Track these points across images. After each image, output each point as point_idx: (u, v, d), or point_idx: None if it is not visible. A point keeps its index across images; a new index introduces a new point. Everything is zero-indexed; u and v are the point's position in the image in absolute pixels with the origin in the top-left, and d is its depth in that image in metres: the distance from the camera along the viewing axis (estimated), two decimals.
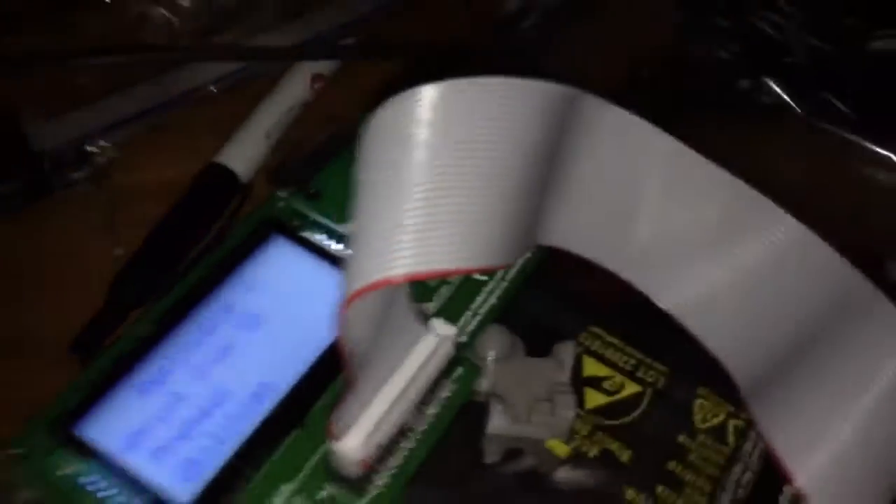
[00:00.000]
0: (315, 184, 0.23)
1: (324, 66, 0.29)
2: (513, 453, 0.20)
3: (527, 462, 0.20)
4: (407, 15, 0.32)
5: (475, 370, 0.21)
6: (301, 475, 0.18)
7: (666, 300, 0.21)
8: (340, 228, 0.23)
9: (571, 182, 0.19)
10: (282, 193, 0.23)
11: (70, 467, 0.18)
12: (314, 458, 0.19)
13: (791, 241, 0.20)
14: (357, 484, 0.18)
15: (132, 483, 0.18)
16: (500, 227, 0.16)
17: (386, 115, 0.15)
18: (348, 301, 0.14)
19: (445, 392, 0.20)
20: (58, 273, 0.24)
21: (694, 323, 0.21)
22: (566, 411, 0.19)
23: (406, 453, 0.19)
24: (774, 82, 0.32)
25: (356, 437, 0.18)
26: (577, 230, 0.20)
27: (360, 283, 0.14)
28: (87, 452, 0.18)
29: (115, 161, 0.27)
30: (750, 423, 0.21)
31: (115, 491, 0.18)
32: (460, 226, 0.15)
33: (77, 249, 0.24)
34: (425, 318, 0.20)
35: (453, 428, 0.20)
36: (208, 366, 0.19)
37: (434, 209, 0.15)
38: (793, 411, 0.19)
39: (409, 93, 0.15)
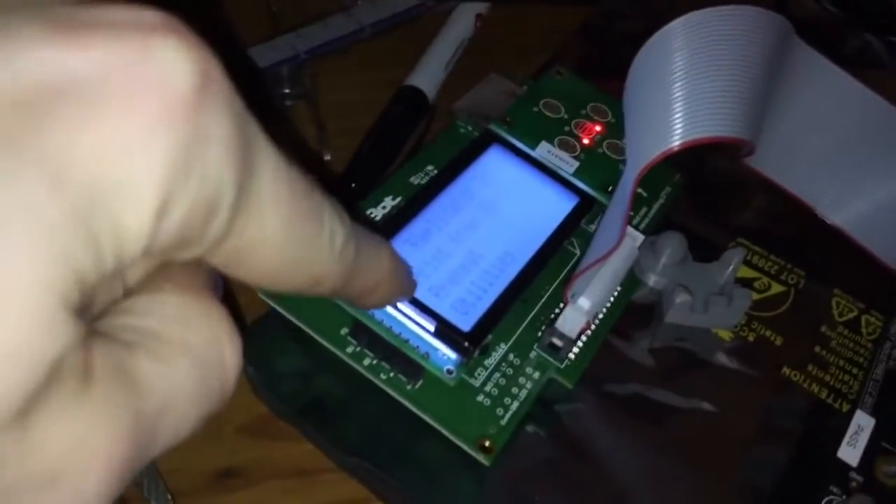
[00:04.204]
0: (508, 113, 0.27)
1: (482, 7, 0.33)
2: (678, 339, 0.24)
3: (690, 347, 0.24)
4: None
5: (635, 278, 0.25)
6: (515, 337, 0.22)
7: (836, 216, 0.25)
8: (529, 150, 0.26)
9: (768, 103, 0.23)
10: (461, 122, 0.27)
11: None
12: (525, 324, 0.22)
13: None
14: (557, 350, 0.22)
15: (421, 309, 0.21)
16: (743, 110, 0.19)
17: (648, 47, 0.19)
18: (638, 177, 0.18)
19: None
20: None
21: (861, 234, 0.25)
22: (743, 301, 0.23)
23: (590, 333, 0.23)
24: (876, 39, 0.35)
25: (587, 303, 0.22)
26: (765, 150, 0.24)
27: (647, 159, 0.18)
28: None
29: (315, 82, 0.30)
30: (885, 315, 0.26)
31: (396, 317, 0.21)
32: (713, 108, 0.19)
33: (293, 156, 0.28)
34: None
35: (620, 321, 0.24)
36: (461, 233, 0.23)
37: (693, 100, 0.19)
38: None
39: (661, 30, 0.19)
